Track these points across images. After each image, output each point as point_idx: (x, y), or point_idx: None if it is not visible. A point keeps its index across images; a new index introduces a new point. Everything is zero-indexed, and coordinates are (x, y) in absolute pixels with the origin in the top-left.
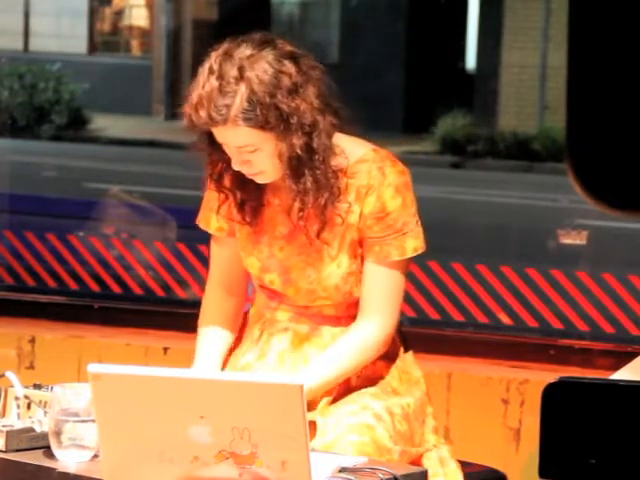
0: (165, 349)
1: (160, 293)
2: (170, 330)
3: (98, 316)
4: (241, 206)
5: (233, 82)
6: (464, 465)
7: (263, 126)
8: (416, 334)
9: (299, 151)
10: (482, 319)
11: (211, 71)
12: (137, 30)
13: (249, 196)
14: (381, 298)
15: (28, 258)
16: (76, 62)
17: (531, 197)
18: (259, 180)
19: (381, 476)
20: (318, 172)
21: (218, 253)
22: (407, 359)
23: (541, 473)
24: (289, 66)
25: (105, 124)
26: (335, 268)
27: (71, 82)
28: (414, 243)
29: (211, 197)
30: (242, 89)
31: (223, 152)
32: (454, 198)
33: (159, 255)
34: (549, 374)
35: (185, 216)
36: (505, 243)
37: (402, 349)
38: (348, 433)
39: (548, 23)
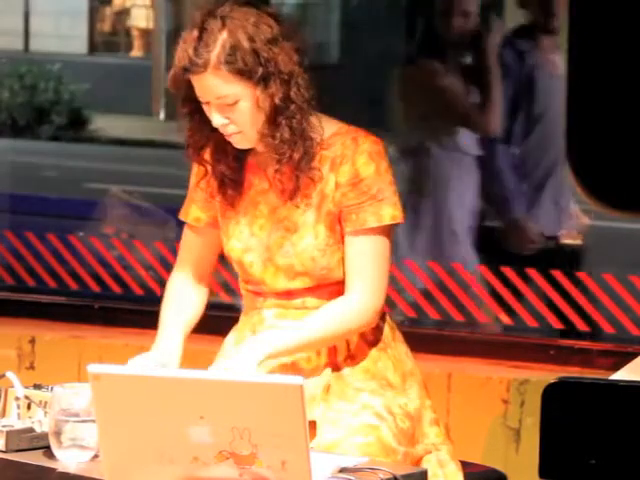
0: None
1: (160, 293)
2: None
3: (98, 316)
4: (221, 182)
5: (215, 31)
6: (464, 465)
7: (242, 71)
8: (416, 334)
9: (277, 100)
10: (482, 319)
11: (194, 25)
12: (138, 30)
13: (229, 168)
14: (362, 268)
15: (28, 258)
16: (76, 62)
17: None
18: (237, 142)
19: (381, 476)
20: (294, 121)
21: (190, 240)
22: (399, 347)
23: (541, 473)
24: (270, 20)
25: (105, 124)
26: (312, 239)
27: (71, 82)
28: (391, 211)
29: (193, 188)
30: (223, 36)
31: (205, 121)
32: None
33: (159, 255)
34: (549, 374)
35: None
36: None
37: (391, 337)
38: (351, 434)
39: None
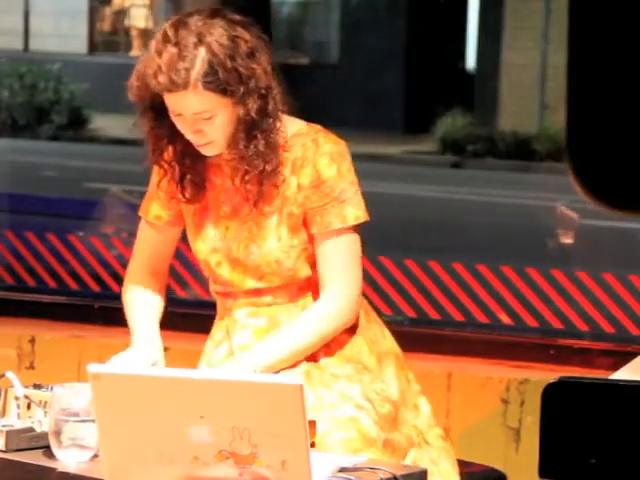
0: (165, 349)
1: None
2: (170, 330)
3: (98, 316)
4: (181, 181)
5: (192, 47)
6: (464, 465)
7: (223, 90)
8: (416, 334)
9: (254, 114)
10: (482, 319)
11: (167, 39)
12: (137, 30)
13: (189, 170)
14: (334, 269)
15: (28, 258)
16: (76, 62)
17: (531, 197)
18: (206, 151)
19: (381, 476)
20: (271, 135)
21: (147, 236)
22: (374, 328)
23: (541, 473)
24: (243, 32)
25: (105, 124)
26: (276, 242)
27: (71, 82)
28: (355, 211)
29: (154, 186)
30: (202, 53)
31: (168, 127)
32: (454, 198)
33: None
34: (549, 374)
35: None
36: (505, 243)
37: (365, 320)
38: (333, 431)
39: (548, 23)
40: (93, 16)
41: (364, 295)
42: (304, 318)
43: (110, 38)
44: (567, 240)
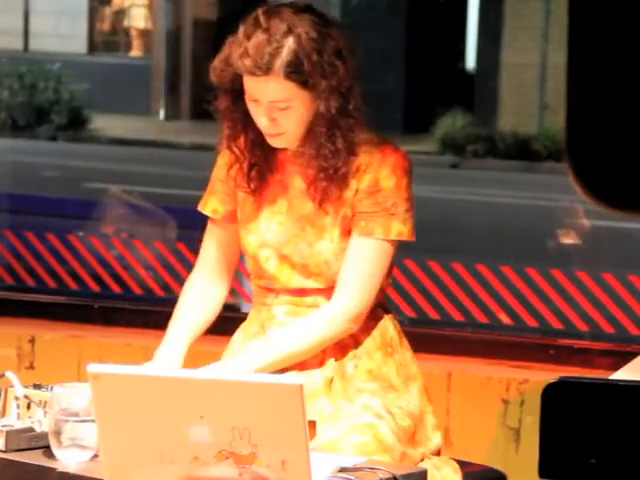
0: None
1: (160, 293)
2: None
3: (98, 316)
4: (249, 171)
5: (281, 35)
6: (464, 465)
7: (304, 82)
8: (416, 334)
9: (334, 111)
10: (482, 319)
11: (258, 25)
12: (137, 30)
13: (259, 160)
14: (357, 274)
15: (28, 258)
16: (76, 62)
17: (531, 197)
18: (276, 142)
19: (381, 476)
20: (350, 135)
21: (210, 233)
22: (405, 353)
23: (541, 473)
24: (333, 30)
25: (105, 124)
26: (328, 243)
27: (71, 82)
28: (399, 227)
29: (215, 181)
30: (290, 42)
31: (242, 112)
32: (454, 198)
33: (159, 255)
34: (549, 374)
35: (185, 216)
36: (505, 243)
37: (399, 343)
38: (349, 434)
39: (548, 23)
40: (93, 16)
41: (398, 321)
42: (308, 323)
43: (110, 38)
44: (567, 240)
